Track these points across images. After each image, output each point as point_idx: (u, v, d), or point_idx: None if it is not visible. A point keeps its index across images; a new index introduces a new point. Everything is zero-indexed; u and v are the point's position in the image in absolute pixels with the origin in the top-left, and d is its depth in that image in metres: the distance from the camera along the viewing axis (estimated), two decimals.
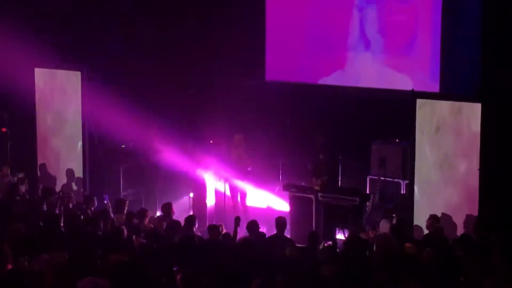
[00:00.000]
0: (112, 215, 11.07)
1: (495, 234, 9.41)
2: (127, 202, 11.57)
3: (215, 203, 13.56)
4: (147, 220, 10.87)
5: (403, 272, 8.22)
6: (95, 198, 11.67)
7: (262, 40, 15.14)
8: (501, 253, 8.82)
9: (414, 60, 13.78)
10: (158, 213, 12.61)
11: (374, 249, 9.49)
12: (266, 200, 13.85)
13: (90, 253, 8.76)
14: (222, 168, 13.43)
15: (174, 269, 8.49)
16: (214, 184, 13.52)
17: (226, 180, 13.20)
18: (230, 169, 13.34)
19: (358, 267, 8.49)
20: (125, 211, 11.19)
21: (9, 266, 8.70)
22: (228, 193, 13.28)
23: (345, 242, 9.93)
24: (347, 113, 14.09)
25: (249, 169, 13.43)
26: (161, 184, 14.04)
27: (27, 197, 11.95)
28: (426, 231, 10.59)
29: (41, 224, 10.36)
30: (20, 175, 12.91)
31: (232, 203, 13.44)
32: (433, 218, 10.55)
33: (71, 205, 11.60)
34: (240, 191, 13.45)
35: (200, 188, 13.47)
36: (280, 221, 10.56)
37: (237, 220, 10.72)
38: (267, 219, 12.23)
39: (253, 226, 10.37)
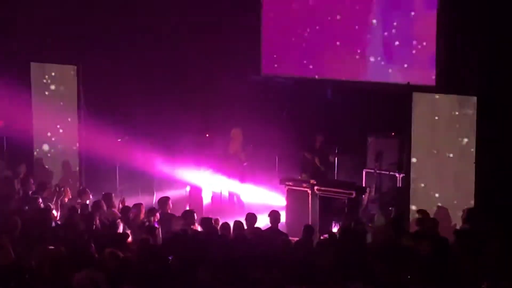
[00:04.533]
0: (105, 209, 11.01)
1: (492, 226, 9.41)
2: (113, 195, 11.52)
3: (212, 197, 13.56)
4: (142, 214, 10.84)
5: (401, 265, 8.23)
6: (88, 191, 11.65)
7: (259, 33, 15.13)
8: (499, 245, 8.83)
9: (412, 55, 13.80)
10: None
11: (369, 241, 9.51)
12: (262, 196, 13.86)
13: (86, 247, 8.76)
14: (218, 163, 13.43)
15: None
16: (210, 181, 13.51)
17: (222, 184, 13.26)
18: (226, 164, 13.33)
19: (355, 259, 8.48)
20: (113, 204, 11.16)
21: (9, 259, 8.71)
22: (224, 193, 13.33)
23: (340, 232, 9.93)
24: (344, 107, 14.08)
25: (245, 164, 13.43)
26: (157, 178, 14.01)
27: (21, 192, 11.91)
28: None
29: (38, 218, 10.33)
30: (17, 169, 12.87)
31: (228, 202, 13.47)
32: (422, 213, 10.52)
33: (67, 199, 11.58)
34: (235, 194, 13.48)
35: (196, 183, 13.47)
36: (274, 215, 10.56)
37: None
38: (263, 215, 12.19)
39: (251, 218, 10.37)
